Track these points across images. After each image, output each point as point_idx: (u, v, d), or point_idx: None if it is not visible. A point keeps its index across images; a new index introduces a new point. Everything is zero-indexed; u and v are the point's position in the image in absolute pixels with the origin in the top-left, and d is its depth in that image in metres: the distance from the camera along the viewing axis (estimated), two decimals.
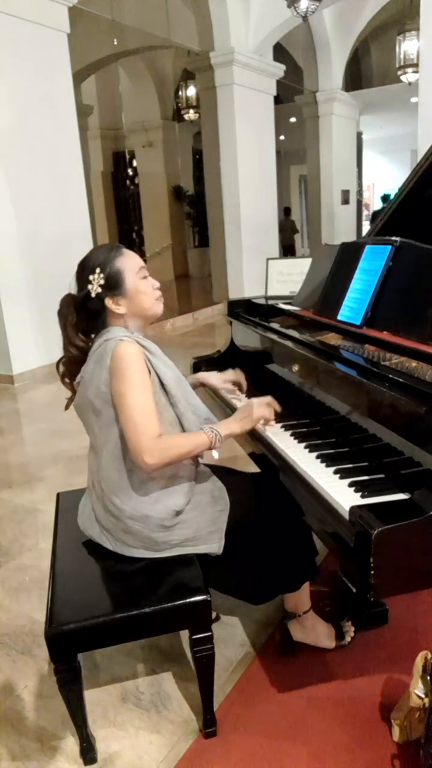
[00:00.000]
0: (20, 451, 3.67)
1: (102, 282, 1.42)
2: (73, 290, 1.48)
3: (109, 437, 1.42)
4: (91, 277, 1.43)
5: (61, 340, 1.50)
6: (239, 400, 1.90)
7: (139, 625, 1.35)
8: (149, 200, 11.53)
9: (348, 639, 1.74)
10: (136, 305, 1.47)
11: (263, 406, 1.56)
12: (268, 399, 1.60)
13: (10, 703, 1.65)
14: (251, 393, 1.92)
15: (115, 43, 7.92)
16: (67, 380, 1.53)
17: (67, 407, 1.57)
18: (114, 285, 1.43)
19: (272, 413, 1.58)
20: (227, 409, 1.87)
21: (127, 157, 11.74)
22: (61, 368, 1.53)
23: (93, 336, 1.50)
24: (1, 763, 1.46)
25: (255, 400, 1.58)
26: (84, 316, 1.47)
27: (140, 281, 1.47)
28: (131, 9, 7.17)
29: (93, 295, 1.43)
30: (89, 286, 1.43)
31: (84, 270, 1.45)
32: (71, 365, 1.51)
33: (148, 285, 1.49)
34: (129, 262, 1.46)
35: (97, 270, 1.43)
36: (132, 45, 8.55)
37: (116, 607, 1.34)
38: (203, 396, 2.07)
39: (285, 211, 12.72)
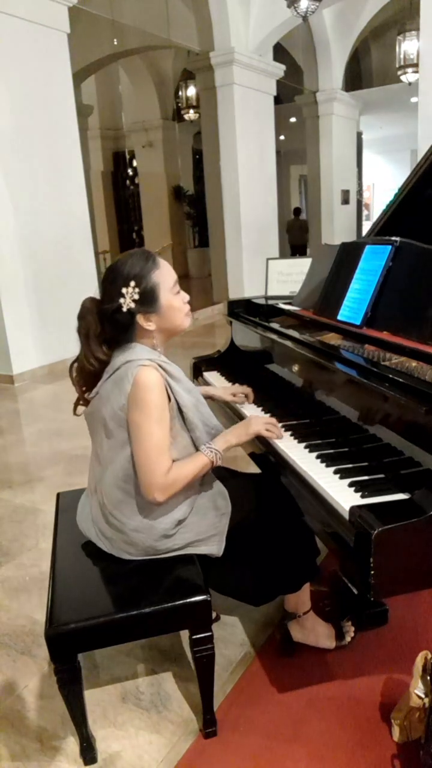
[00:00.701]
0: (20, 451, 3.67)
1: (136, 297, 1.34)
2: (97, 295, 1.41)
3: (116, 458, 1.40)
4: (124, 290, 1.34)
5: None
6: (247, 407, 1.89)
7: (139, 625, 1.35)
8: (149, 200, 11.53)
9: (348, 639, 1.74)
10: (167, 322, 1.41)
11: (261, 424, 1.54)
12: (272, 420, 1.59)
13: (10, 703, 1.65)
14: (258, 400, 1.92)
15: (115, 43, 7.90)
16: (81, 387, 1.46)
17: (75, 411, 1.51)
18: (148, 301, 1.36)
19: (270, 433, 1.56)
20: (235, 417, 1.86)
21: (127, 157, 11.74)
22: (74, 374, 1.45)
23: (113, 348, 1.42)
24: (1, 763, 1.46)
25: (256, 416, 1.60)
26: (109, 329, 1.39)
27: (174, 297, 1.40)
28: (131, 9, 7.17)
29: (125, 309, 1.35)
30: (121, 300, 1.34)
31: (116, 279, 1.35)
32: (87, 375, 1.43)
33: (180, 301, 1.42)
34: (165, 277, 1.39)
35: (132, 283, 1.34)
36: (132, 45, 8.55)
37: (116, 607, 1.34)
38: (214, 408, 2.07)
39: (295, 212, 12.73)
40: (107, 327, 1.39)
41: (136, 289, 1.34)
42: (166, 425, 1.35)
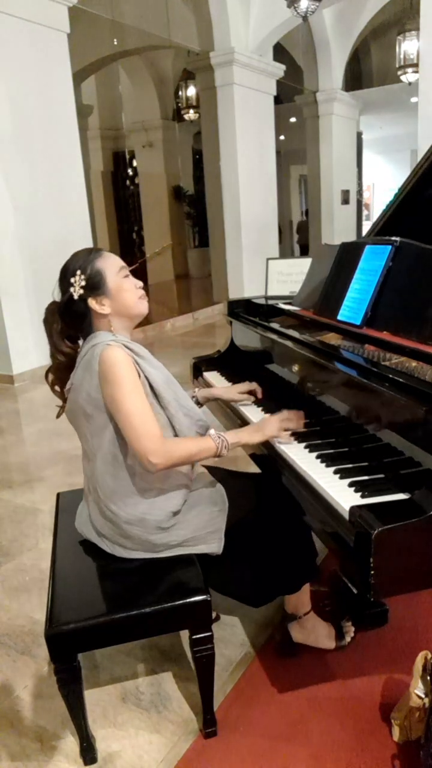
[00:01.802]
0: (20, 451, 3.67)
1: (83, 283, 1.42)
2: (57, 298, 1.48)
3: (102, 442, 1.42)
4: (72, 280, 1.43)
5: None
6: (247, 407, 1.89)
7: (139, 625, 1.35)
8: (149, 200, 11.52)
9: (348, 639, 1.74)
10: (120, 304, 1.46)
11: (277, 426, 1.54)
12: (285, 416, 1.58)
13: (9, 703, 1.65)
14: (258, 400, 1.91)
15: (115, 43, 7.91)
16: (57, 388, 1.53)
17: (58, 415, 1.57)
18: (96, 285, 1.43)
19: (286, 434, 1.55)
20: (238, 421, 1.85)
21: (127, 157, 11.72)
22: (50, 377, 1.53)
23: (80, 342, 1.50)
24: (1, 763, 1.46)
25: (272, 417, 1.58)
26: (69, 321, 1.47)
27: (122, 280, 1.47)
28: (131, 9, 7.16)
29: (76, 297, 1.43)
30: (71, 289, 1.43)
31: (65, 275, 1.45)
32: (60, 372, 1.51)
33: (130, 283, 1.49)
34: (108, 262, 1.46)
35: (78, 272, 1.43)
36: (132, 45, 8.54)
37: (116, 607, 1.34)
38: (213, 407, 2.07)
39: (306, 213, 12.93)
40: (67, 320, 1.47)
41: (82, 276, 1.42)
42: (142, 394, 1.37)
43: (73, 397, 1.45)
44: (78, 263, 1.45)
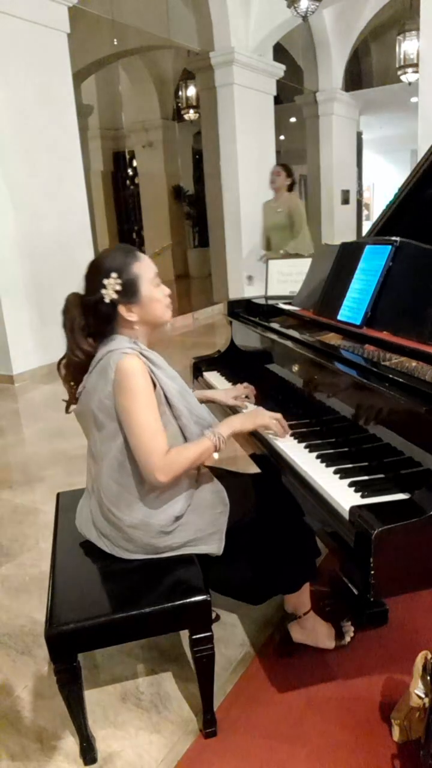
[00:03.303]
0: (20, 451, 3.67)
1: (118, 288, 1.38)
2: (81, 291, 1.44)
3: (110, 450, 1.41)
4: (106, 282, 1.37)
5: (62, 340, 1.46)
6: (246, 408, 1.89)
7: (140, 625, 1.35)
8: (149, 200, 11.51)
9: (348, 639, 1.74)
10: (149, 313, 1.44)
11: (267, 417, 1.57)
12: (278, 416, 1.60)
13: (10, 703, 1.65)
14: (258, 400, 1.91)
15: (115, 43, 7.89)
16: (71, 383, 1.50)
17: (67, 410, 1.54)
18: (130, 292, 1.39)
19: (277, 425, 1.57)
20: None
21: (127, 157, 11.72)
22: (63, 371, 1.49)
23: (97, 341, 1.46)
24: (1, 763, 1.46)
25: (263, 410, 1.60)
26: (92, 321, 1.43)
27: (155, 289, 1.44)
28: (131, 9, 7.16)
29: (107, 300, 1.38)
30: (103, 291, 1.38)
31: (99, 272, 1.39)
32: (74, 370, 1.48)
33: (162, 293, 1.46)
34: (145, 269, 1.43)
35: (114, 275, 1.37)
36: (132, 45, 8.54)
37: (116, 607, 1.34)
38: (212, 406, 2.07)
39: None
40: (90, 319, 1.43)
41: (118, 280, 1.38)
42: (155, 408, 1.36)
43: (85, 400, 1.43)
44: (115, 263, 1.39)
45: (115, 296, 1.38)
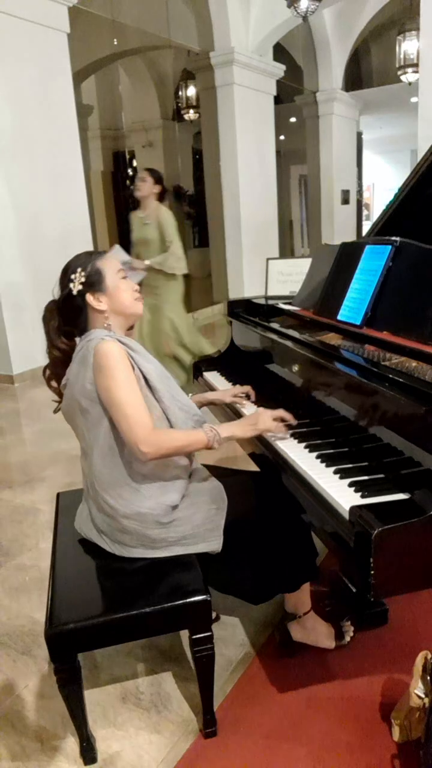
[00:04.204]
0: (20, 451, 3.67)
1: (83, 279, 1.47)
2: (56, 297, 1.53)
3: (98, 435, 1.44)
4: (72, 276, 1.48)
5: None
6: (244, 407, 1.89)
7: (139, 625, 1.35)
8: None
9: (348, 639, 1.74)
10: (117, 302, 1.51)
11: (270, 420, 1.57)
12: (280, 413, 1.60)
13: (10, 703, 1.65)
14: (257, 399, 1.91)
15: (115, 43, 7.90)
16: (54, 384, 1.56)
17: (56, 411, 1.60)
18: (95, 282, 1.48)
19: (280, 427, 1.58)
20: (233, 416, 1.86)
21: (127, 157, 11.72)
22: (47, 372, 1.57)
23: (76, 339, 1.53)
24: (1, 763, 1.46)
25: (265, 411, 1.59)
26: (66, 317, 1.51)
27: (120, 280, 1.52)
28: (131, 9, 7.16)
29: (75, 292, 1.47)
30: (71, 285, 1.48)
31: (66, 273, 1.50)
32: (56, 368, 1.55)
33: (127, 284, 1.54)
34: (109, 264, 1.52)
35: (78, 269, 1.48)
36: (132, 45, 8.54)
37: (116, 607, 1.34)
38: (212, 407, 2.07)
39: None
40: (64, 316, 1.52)
41: (82, 273, 1.48)
42: (136, 386, 1.40)
43: (69, 392, 1.47)
44: (79, 262, 1.50)
45: (81, 287, 1.47)
